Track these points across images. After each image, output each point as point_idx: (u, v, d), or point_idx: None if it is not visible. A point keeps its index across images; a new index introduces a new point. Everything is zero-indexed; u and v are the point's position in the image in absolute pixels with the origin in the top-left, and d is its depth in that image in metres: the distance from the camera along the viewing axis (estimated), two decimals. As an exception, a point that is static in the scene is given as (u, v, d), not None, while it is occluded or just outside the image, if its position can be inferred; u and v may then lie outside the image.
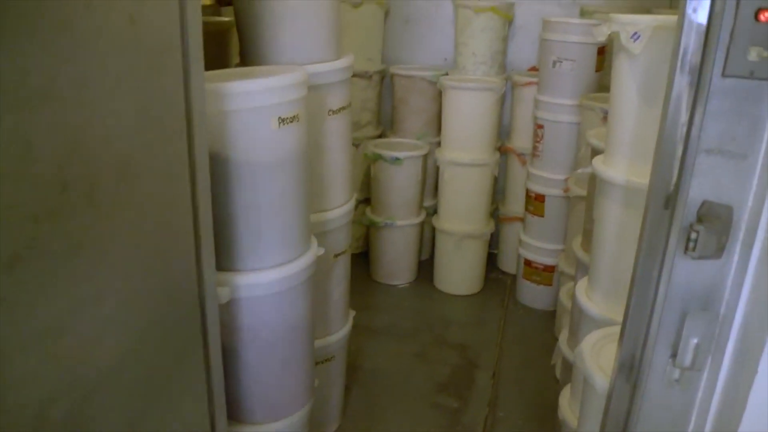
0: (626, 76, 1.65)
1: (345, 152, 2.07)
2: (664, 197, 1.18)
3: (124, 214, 1.00)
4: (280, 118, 1.52)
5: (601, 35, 1.70)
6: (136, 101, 1.00)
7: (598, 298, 1.83)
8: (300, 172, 1.63)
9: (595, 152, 2.11)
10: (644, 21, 1.56)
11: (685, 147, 1.13)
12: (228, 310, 1.58)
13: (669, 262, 1.16)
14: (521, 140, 3.35)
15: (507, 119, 3.48)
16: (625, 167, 1.70)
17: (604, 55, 2.93)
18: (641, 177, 1.65)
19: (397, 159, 3.16)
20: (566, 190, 2.83)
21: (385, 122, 3.67)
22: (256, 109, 1.48)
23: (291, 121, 1.55)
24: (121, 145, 0.97)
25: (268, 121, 1.50)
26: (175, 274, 1.23)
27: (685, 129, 1.12)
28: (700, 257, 1.11)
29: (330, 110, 1.95)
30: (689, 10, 1.08)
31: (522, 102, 3.30)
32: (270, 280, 1.61)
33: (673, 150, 1.14)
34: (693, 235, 1.09)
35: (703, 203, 1.12)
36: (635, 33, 1.55)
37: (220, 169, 1.49)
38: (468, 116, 3.08)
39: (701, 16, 1.09)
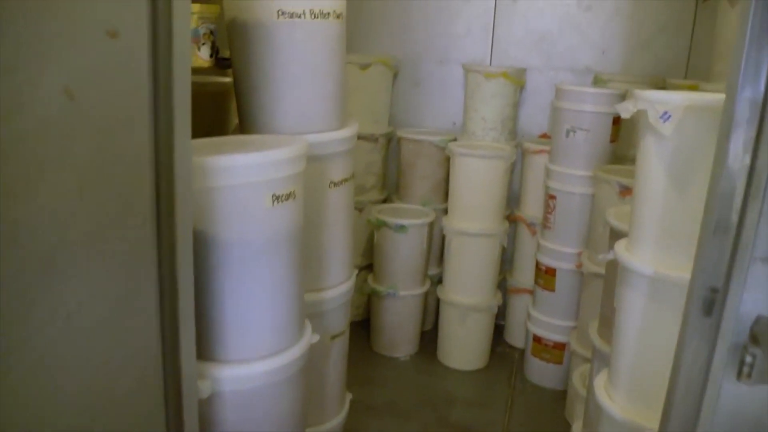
0: (654, 158, 1.51)
1: (346, 226, 1.92)
2: (707, 303, 1.01)
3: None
4: (274, 195, 1.38)
5: (625, 112, 1.56)
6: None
7: (620, 398, 1.65)
8: (294, 253, 1.48)
9: (614, 233, 1.96)
10: (675, 100, 1.42)
11: (734, 251, 0.96)
12: (209, 406, 1.41)
13: (715, 384, 0.99)
14: (531, 209, 3.20)
15: (516, 187, 3.34)
16: (652, 256, 1.54)
17: (619, 125, 2.80)
18: (671, 269, 1.50)
19: (402, 227, 3.01)
20: (579, 266, 2.67)
21: (390, 186, 3.54)
22: (248, 185, 1.34)
23: (286, 198, 1.41)
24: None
25: (260, 199, 1.36)
26: (139, 372, 1.07)
27: (734, 232, 0.97)
28: (756, 383, 0.94)
29: (331, 182, 1.81)
30: (742, 95, 0.94)
31: (533, 170, 3.16)
32: (258, 372, 1.44)
33: (719, 253, 0.98)
34: (748, 359, 0.92)
35: (758, 320, 0.95)
36: (665, 113, 1.41)
37: (205, 249, 1.34)
38: (477, 184, 2.95)
39: (755, 100, 0.95)
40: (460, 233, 2.98)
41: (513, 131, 3.28)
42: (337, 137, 1.78)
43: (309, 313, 1.72)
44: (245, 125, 1.75)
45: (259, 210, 1.36)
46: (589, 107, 2.72)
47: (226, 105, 2.02)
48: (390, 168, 3.54)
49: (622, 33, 3.25)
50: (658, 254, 1.54)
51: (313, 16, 1.69)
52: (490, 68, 3.12)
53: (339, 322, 1.93)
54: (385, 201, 3.47)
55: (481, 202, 2.96)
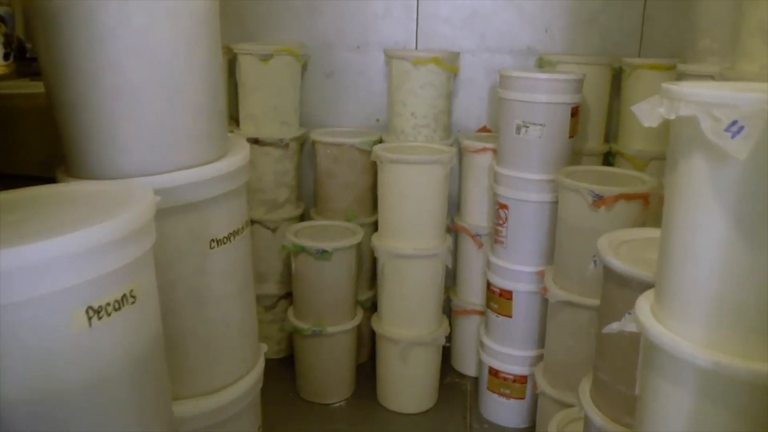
0: (708, 191, 0.95)
1: (241, 298, 1.30)
2: None
3: None
4: (90, 308, 0.75)
5: (652, 119, 1.00)
6: None
7: None
8: (144, 390, 0.85)
9: (613, 275, 1.41)
10: (750, 102, 0.86)
11: None
12: None
13: None
14: (475, 217, 2.64)
15: (454, 190, 2.77)
16: (704, 335, 0.99)
17: (578, 116, 2.26)
18: (736, 354, 0.95)
19: (324, 252, 2.40)
20: (543, 291, 2.13)
21: (307, 199, 2.91)
22: (35, 300, 0.71)
23: (117, 308, 0.78)
24: None
25: (63, 319, 0.73)
26: None
27: None
28: None
29: (213, 240, 1.18)
30: None
31: (474, 171, 2.60)
32: None
33: None
34: None
35: None
36: (734, 122, 0.85)
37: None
38: (411, 196, 2.36)
39: None
40: (395, 255, 2.40)
41: (448, 127, 2.70)
42: (214, 173, 1.16)
43: (195, 429, 1.11)
44: (67, 164, 1.11)
45: (63, 338, 0.74)
46: (544, 97, 2.17)
47: (39, 131, 1.37)
48: (306, 177, 2.91)
49: (565, 6, 2.71)
50: (713, 332, 0.99)
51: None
52: (418, 53, 2.53)
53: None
54: (302, 217, 2.85)
55: (418, 216, 2.38)
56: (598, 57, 2.58)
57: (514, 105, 2.22)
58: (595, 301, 1.90)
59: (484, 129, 2.80)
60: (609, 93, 2.64)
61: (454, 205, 2.77)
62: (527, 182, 2.25)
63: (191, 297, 1.15)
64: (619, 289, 1.37)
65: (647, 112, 1.00)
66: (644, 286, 1.28)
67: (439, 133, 2.62)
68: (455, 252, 2.76)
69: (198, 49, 1.11)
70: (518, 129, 2.22)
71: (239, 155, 1.23)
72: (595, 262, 1.50)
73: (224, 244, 1.19)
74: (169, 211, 1.06)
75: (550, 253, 2.24)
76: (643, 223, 1.99)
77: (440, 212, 2.41)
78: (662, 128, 2.32)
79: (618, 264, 1.36)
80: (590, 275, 1.64)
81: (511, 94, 2.22)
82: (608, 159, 2.68)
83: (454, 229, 2.70)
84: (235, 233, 1.21)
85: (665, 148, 2.50)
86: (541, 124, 2.19)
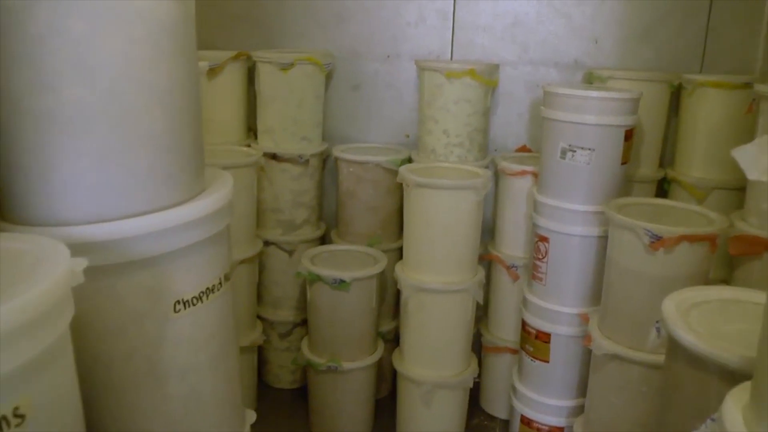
0: None
1: (215, 369, 1.04)
2: None
3: None
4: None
5: (763, 169, 0.72)
6: None
7: None
8: None
9: (683, 351, 1.12)
10: None
11: None
12: None
13: None
14: (511, 246, 2.36)
15: (489, 213, 2.50)
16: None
17: (632, 140, 1.97)
18: None
19: (342, 282, 2.15)
20: (588, 342, 1.84)
21: (329, 220, 2.66)
22: None
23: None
24: None
25: None
26: None
27: None
28: None
29: (179, 301, 0.93)
30: None
31: (511, 196, 2.32)
32: None
33: None
34: None
35: None
36: None
37: None
38: (440, 224, 2.09)
39: None
40: (420, 289, 2.13)
41: (483, 146, 2.43)
42: (180, 220, 0.90)
43: None
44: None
45: None
46: (594, 118, 1.88)
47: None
48: (328, 197, 2.66)
49: (618, 16, 2.42)
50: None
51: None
52: (452, 65, 2.26)
53: None
54: (322, 240, 2.60)
55: (447, 246, 2.11)
56: (656, 73, 2.28)
57: (559, 126, 1.94)
58: (649, 357, 1.61)
59: (523, 149, 2.52)
60: (666, 113, 2.33)
61: (488, 232, 2.49)
62: (572, 213, 1.96)
63: (150, 371, 0.90)
64: (691, 370, 1.08)
65: (754, 159, 0.72)
66: (726, 372, 0.99)
67: (474, 153, 2.34)
68: (488, 283, 2.48)
69: (159, 65, 0.85)
70: (563, 153, 1.94)
71: (215, 195, 0.97)
72: (658, 329, 1.22)
73: (193, 305, 0.94)
74: (120, 268, 0.82)
75: (595, 294, 1.96)
76: (708, 271, 1.69)
77: (472, 243, 2.14)
78: (726, 153, 1.99)
79: (691, 340, 1.07)
80: (652, 345, 1.35)
81: (557, 114, 1.94)
82: (663, 186, 2.38)
83: (486, 259, 2.42)
84: (208, 291, 0.96)
85: (730, 177, 2.19)
86: (589, 149, 1.90)
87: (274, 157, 2.40)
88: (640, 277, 1.69)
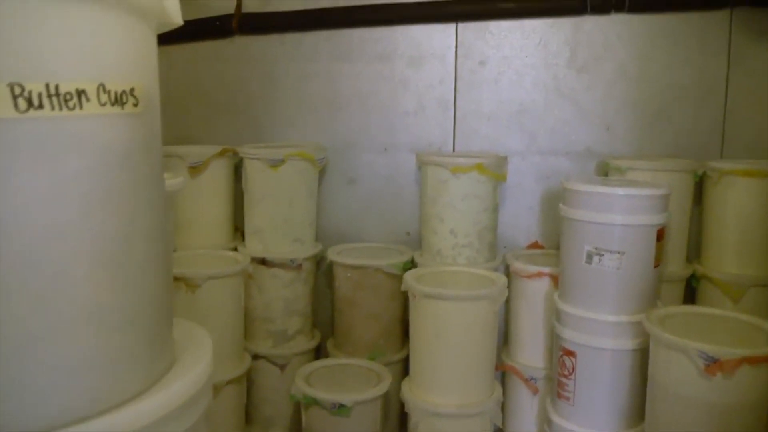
0: None
1: None
2: None
3: None
4: None
5: None
6: None
7: None
8: None
9: None
10: None
11: None
12: None
13: None
14: (528, 355, 2.09)
15: (502, 319, 2.23)
16: None
17: (663, 240, 1.74)
18: None
19: (343, 407, 1.86)
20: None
21: (324, 327, 2.38)
22: None
23: None
24: None
25: None
26: None
27: None
28: None
29: None
30: None
31: (527, 299, 2.06)
32: None
33: None
34: None
35: None
36: None
37: None
38: (452, 338, 1.82)
39: None
40: (432, 413, 1.84)
41: (493, 245, 2.18)
42: (129, 425, 0.63)
43: None
44: None
45: None
46: (622, 218, 1.65)
47: None
48: (323, 302, 2.40)
49: (630, 100, 2.23)
50: None
51: (52, 106, 0.58)
52: (458, 159, 2.04)
53: None
54: (318, 351, 2.32)
55: (461, 363, 1.84)
56: (678, 161, 2.06)
57: (582, 227, 1.70)
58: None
59: (535, 245, 2.28)
60: (691, 204, 2.11)
61: (501, 337, 2.22)
62: (602, 325, 1.70)
63: None
64: None
65: None
66: None
67: (484, 253, 2.10)
68: (503, 397, 2.19)
69: (103, 212, 0.60)
70: (589, 257, 1.69)
71: (186, 379, 0.70)
72: None
73: None
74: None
75: (632, 414, 1.69)
76: (772, 395, 1.43)
77: (488, 357, 1.87)
78: (761, 246, 1.73)
79: None
80: None
81: (579, 213, 1.70)
82: (691, 284, 2.13)
83: (500, 369, 2.14)
84: None
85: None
86: (619, 252, 1.66)
87: (263, 261, 2.15)
88: (694, 404, 1.42)
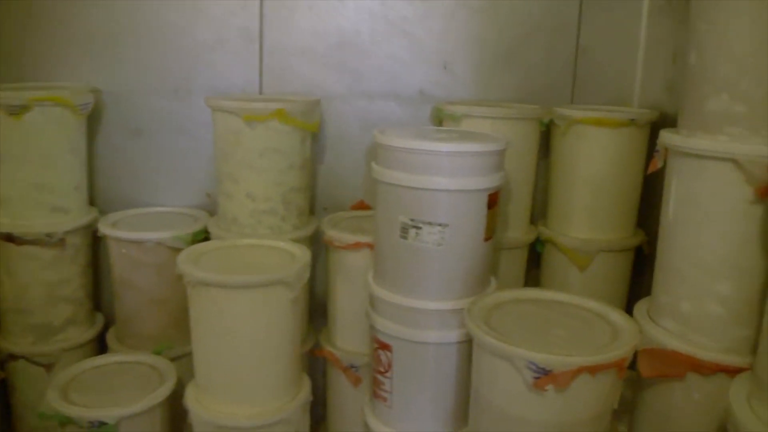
0: None
1: None
2: None
3: None
4: None
5: None
6: None
7: None
8: None
9: None
10: None
11: None
12: None
13: None
14: (348, 340, 1.73)
15: (320, 289, 1.85)
16: None
17: (497, 207, 1.38)
18: None
19: (103, 425, 1.42)
20: None
21: (109, 311, 1.90)
22: None
23: None
24: None
25: None
26: None
27: None
28: None
29: None
30: None
31: (345, 273, 1.68)
32: None
33: None
34: None
35: None
36: None
37: None
38: (239, 334, 1.40)
39: None
40: (215, 426, 1.43)
41: (306, 208, 1.77)
42: None
43: None
44: None
45: None
46: (446, 181, 1.27)
47: None
48: (102, 285, 1.91)
49: (471, 36, 1.85)
50: None
51: None
52: (252, 105, 1.58)
53: None
54: (100, 342, 1.84)
55: (255, 366, 1.43)
56: (522, 107, 1.71)
57: (395, 192, 1.32)
58: None
59: (360, 205, 1.89)
60: (536, 157, 1.78)
61: (321, 316, 1.84)
62: (422, 314, 1.34)
63: None
64: None
65: None
66: None
67: (292, 220, 1.68)
68: (324, 387, 1.82)
69: None
70: (405, 231, 1.31)
71: None
72: None
73: None
74: None
75: (460, 415, 1.36)
76: (613, 405, 1.12)
77: (287, 355, 1.46)
78: (612, 206, 1.39)
79: None
80: None
81: (391, 175, 1.31)
82: (536, 248, 1.82)
83: (319, 355, 1.77)
84: None
85: (618, 236, 1.67)
86: (440, 224, 1.29)
87: (10, 238, 1.63)
88: (523, 424, 1.09)
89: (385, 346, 1.41)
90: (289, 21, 1.80)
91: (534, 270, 1.86)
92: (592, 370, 1.03)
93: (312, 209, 1.86)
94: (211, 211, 1.83)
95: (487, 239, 1.35)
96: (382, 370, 1.43)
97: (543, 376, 1.03)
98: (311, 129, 1.66)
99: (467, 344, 1.32)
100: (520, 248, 1.76)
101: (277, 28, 1.81)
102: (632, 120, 1.61)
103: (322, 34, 1.81)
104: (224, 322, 1.39)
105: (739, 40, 1.02)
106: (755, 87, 1.01)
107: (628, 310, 1.67)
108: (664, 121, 1.67)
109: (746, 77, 1.02)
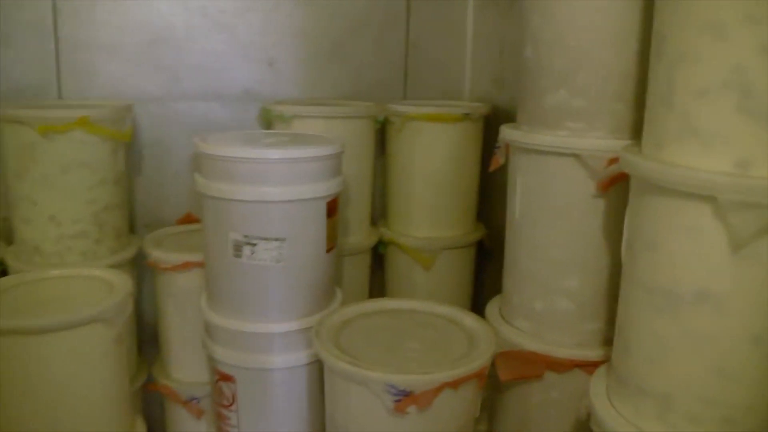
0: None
1: None
2: None
3: None
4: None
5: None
6: None
7: None
8: None
9: None
10: None
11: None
12: None
13: None
14: (184, 371, 1.55)
15: (151, 316, 1.65)
16: None
17: (337, 214, 1.27)
18: None
19: None
20: None
21: None
22: None
23: None
24: None
25: None
26: None
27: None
28: None
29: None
30: None
31: (173, 297, 1.50)
32: None
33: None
34: None
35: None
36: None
37: None
38: (48, 387, 1.18)
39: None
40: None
41: (124, 228, 1.56)
42: None
43: None
44: None
45: None
46: (277, 192, 1.14)
47: None
48: None
49: (296, 30, 1.73)
50: None
51: None
52: (49, 113, 1.34)
53: None
54: None
55: (64, 419, 1.21)
56: (355, 105, 1.62)
57: (225, 207, 1.17)
58: None
59: (187, 218, 1.71)
60: (373, 157, 1.70)
61: (152, 346, 1.64)
62: (264, 339, 1.21)
63: None
64: None
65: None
66: None
67: (109, 242, 1.46)
68: (163, 421, 1.63)
69: None
70: (238, 249, 1.17)
71: None
72: None
73: None
74: None
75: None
76: (474, 415, 1.07)
77: (113, 406, 1.26)
78: (452, 204, 1.36)
79: None
80: None
81: (218, 188, 1.16)
82: (378, 250, 1.74)
83: (153, 390, 1.57)
84: None
85: (460, 232, 1.63)
86: (277, 239, 1.16)
87: None
88: (383, 451, 1.00)
89: (226, 378, 1.26)
90: (90, 13, 1.57)
91: (379, 272, 1.79)
92: (454, 384, 0.97)
93: (132, 228, 1.65)
94: (8, 239, 1.55)
95: (329, 250, 1.24)
96: (226, 403, 1.28)
97: (404, 397, 0.95)
98: (123, 138, 1.45)
99: (317, 365, 1.22)
100: (363, 253, 1.67)
101: (76, 22, 1.57)
102: (466, 114, 1.58)
103: (131, 29, 1.60)
104: (27, 376, 1.16)
105: (574, 33, 0.99)
106: (593, 80, 0.98)
107: (476, 304, 1.65)
108: (496, 114, 1.66)
109: (582, 71, 0.99)
